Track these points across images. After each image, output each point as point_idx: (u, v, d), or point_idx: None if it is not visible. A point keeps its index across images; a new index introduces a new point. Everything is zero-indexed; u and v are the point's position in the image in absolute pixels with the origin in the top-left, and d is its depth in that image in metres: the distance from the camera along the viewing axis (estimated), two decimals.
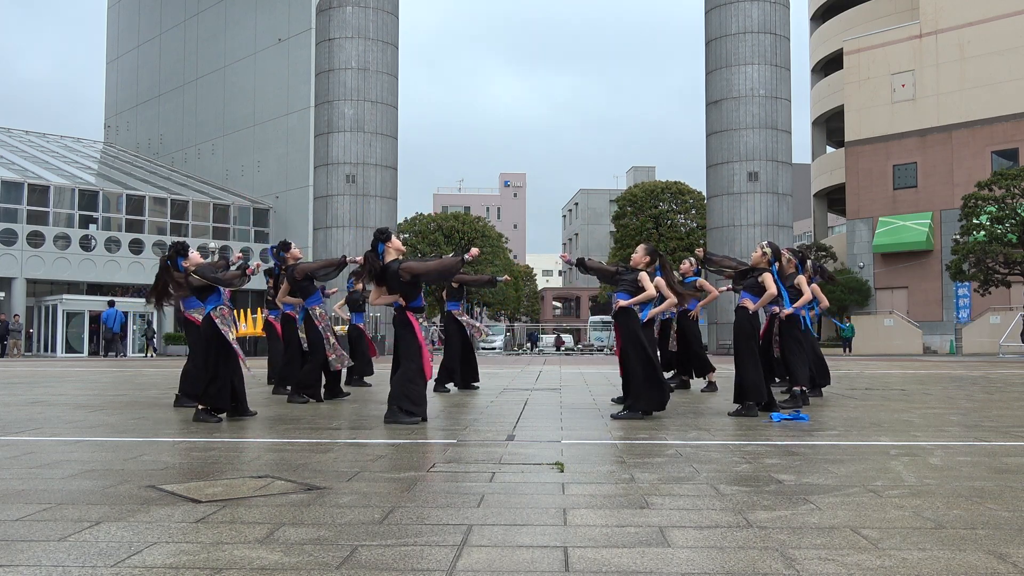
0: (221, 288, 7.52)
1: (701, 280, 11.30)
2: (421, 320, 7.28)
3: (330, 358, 9.31)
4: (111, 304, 34.68)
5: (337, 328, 35.06)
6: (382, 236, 7.29)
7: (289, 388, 9.65)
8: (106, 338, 33.47)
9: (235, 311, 9.53)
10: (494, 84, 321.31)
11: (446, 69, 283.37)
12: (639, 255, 7.75)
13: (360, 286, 12.63)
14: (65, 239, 39.02)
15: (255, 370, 11.87)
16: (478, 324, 11.38)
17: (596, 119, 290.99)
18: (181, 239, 7.83)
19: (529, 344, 51.36)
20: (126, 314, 36.04)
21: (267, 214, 46.42)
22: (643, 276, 7.71)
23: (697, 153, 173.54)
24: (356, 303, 12.68)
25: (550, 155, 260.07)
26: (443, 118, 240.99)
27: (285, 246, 9.87)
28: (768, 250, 8.06)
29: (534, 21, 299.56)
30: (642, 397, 7.38)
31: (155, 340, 38.44)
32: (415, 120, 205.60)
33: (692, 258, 11.57)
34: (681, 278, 11.62)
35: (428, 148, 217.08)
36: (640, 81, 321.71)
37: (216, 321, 7.38)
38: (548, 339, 53.32)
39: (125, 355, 33.90)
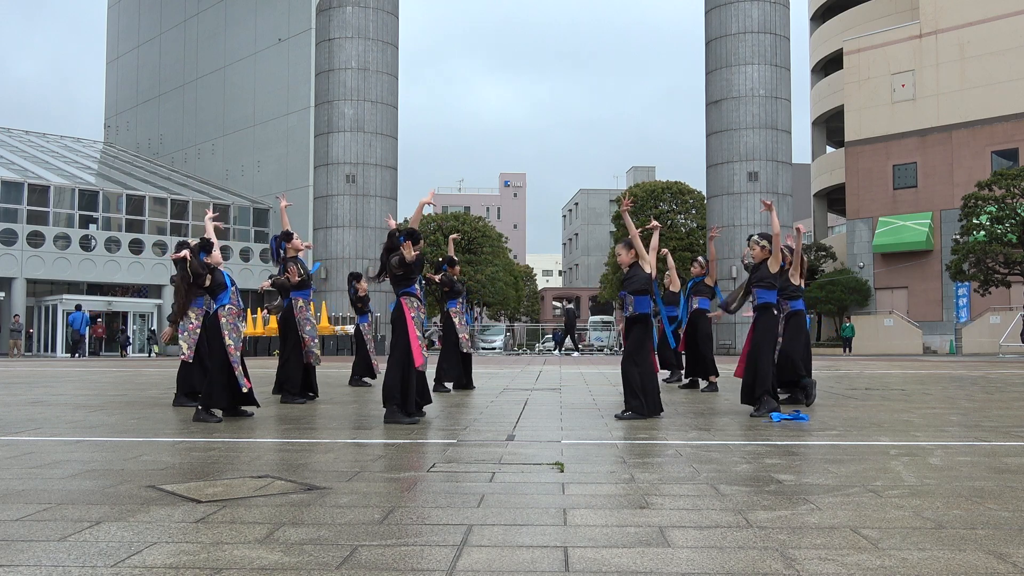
0: (230, 287, 7.53)
1: (708, 281, 11.40)
2: (414, 303, 7.21)
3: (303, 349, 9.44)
4: (78, 308, 35.81)
5: (337, 328, 34.95)
6: (412, 236, 7.16)
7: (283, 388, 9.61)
8: (73, 339, 34.45)
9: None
10: (479, 87, 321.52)
11: (429, 73, 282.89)
12: (625, 256, 7.72)
13: (363, 287, 12.68)
14: (65, 239, 39.02)
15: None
16: (464, 335, 11.34)
17: (592, 120, 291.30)
18: (207, 237, 7.77)
19: (554, 344, 50.46)
20: (90, 315, 36.86)
21: (267, 214, 46.42)
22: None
23: (696, 153, 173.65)
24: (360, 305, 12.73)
25: (549, 156, 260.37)
26: (432, 120, 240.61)
27: (287, 236, 9.92)
28: (765, 243, 8.11)
29: (511, 24, 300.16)
30: (645, 402, 7.39)
31: (129, 341, 38.55)
32: (412, 121, 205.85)
33: (701, 258, 11.67)
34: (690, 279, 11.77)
35: (427, 149, 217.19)
36: (635, 82, 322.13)
37: (221, 320, 7.41)
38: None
39: (85, 355, 34.65)
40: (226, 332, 7.37)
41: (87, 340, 37.87)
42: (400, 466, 4.78)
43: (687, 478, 4.37)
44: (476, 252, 55.64)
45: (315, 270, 10.11)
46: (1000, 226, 32.35)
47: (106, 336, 38.68)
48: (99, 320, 38.52)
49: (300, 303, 9.59)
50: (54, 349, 37.65)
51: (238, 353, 7.44)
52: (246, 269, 42.28)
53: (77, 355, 33.88)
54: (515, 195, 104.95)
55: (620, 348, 8.11)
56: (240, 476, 4.42)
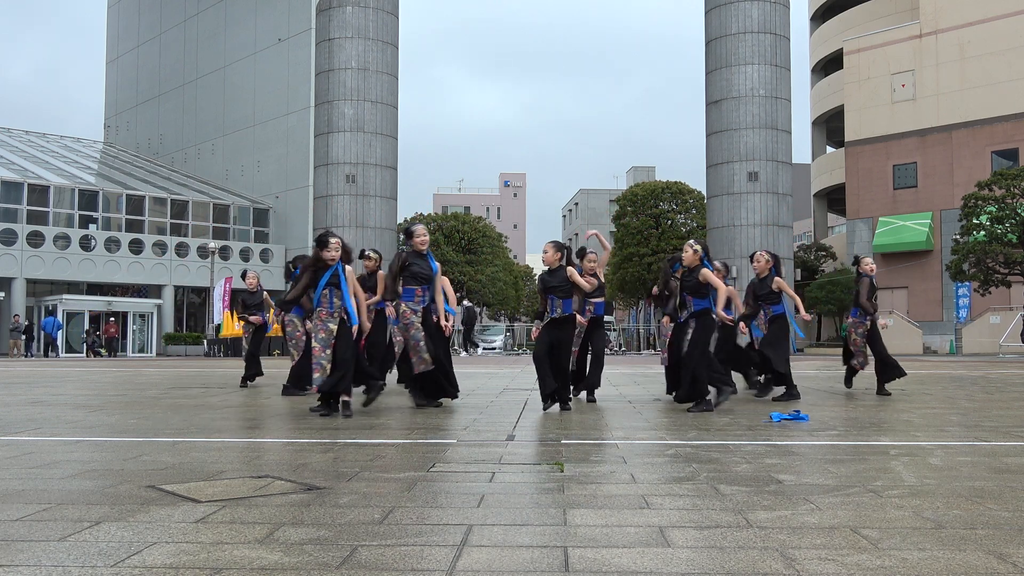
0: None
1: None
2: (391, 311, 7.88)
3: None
4: (51, 313, 36.96)
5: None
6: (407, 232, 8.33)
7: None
8: (46, 342, 35.52)
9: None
10: (462, 91, 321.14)
11: (411, 75, 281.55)
12: (550, 254, 7.97)
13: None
14: (65, 239, 39.02)
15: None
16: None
17: (587, 121, 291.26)
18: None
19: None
20: (62, 319, 37.96)
21: (267, 214, 46.43)
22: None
23: (696, 153, 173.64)
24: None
25: (544, 157, 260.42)
26: (421, 122, 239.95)
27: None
28: (699, 247, 8.30)
29: (488, 27, 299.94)
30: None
31: (97, 343, 38.82)
32: (405, 122, 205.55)
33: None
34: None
35: (423, 149, 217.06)
36: (628, 83, 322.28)
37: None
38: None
39: (59, 356, 35.65)
40: (314, 334, 7.73)
41: (88, 340, 38.12)
42: (400, 466, 4.78)
43: (687, 478, 4.37)
44: (476, 252, 55.64)
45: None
46: (1000, 226, 32.36)
47: (118, 336, 38.85)
48: (112, 320, 38.57)
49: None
50: (54, 349, 37.67)
51: (320, 353, 7.57)
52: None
53: (52, 355, 34.69)
54: (515, 195, 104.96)
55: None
56: (240, 476, 4.42)
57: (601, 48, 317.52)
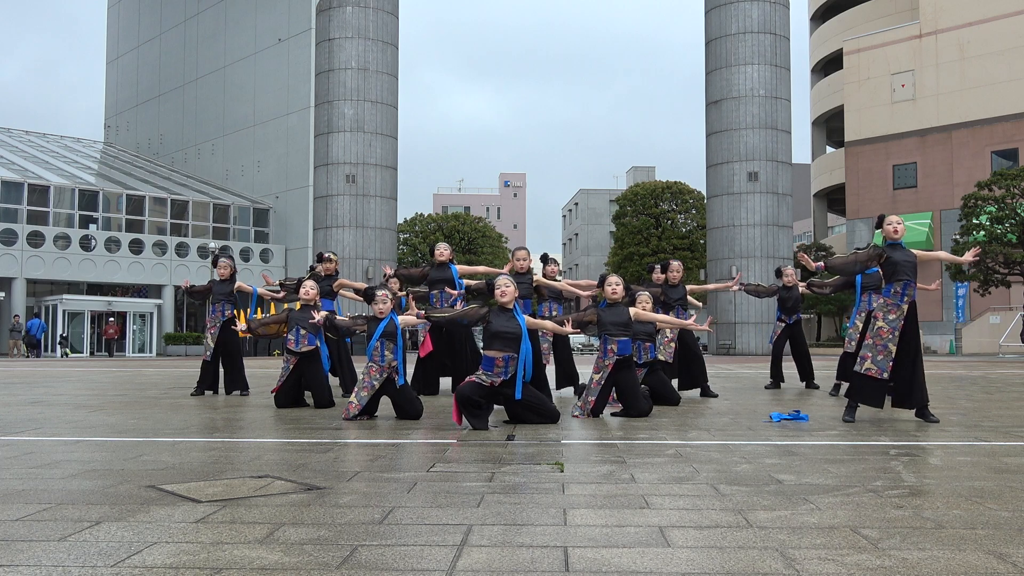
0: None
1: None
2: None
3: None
4: (35, 315, 37.62)
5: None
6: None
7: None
8: (31, 344, 35.84)
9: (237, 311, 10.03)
10: (450, 93, 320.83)
11: (409, 78, 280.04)
12: (527, 262, 8.58)
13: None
14: (65, 239, 39.02)
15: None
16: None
17: (583, 122, 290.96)
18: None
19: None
20: (48, 322, 38.40)
21: (267, 214, 46.41)
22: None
23: (696, 154, 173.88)
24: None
25: (540, 158, 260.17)
26: (415, 124, 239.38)
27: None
28: (620, 286, 7.93)
29: (478, 29, 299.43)
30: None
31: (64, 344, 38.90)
32: (408, 122, 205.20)
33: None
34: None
35: (422, 149, 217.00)
36: (623, 84, 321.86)
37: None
38: None
39: (41, 356, 35.92)
40: (357, 388, 7.48)
41: (88, 341, 38.15)
42: (400, 466, 4.78)
43: (687, 478, 4.37)
44: (476, 252, 55.64)
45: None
46: (1000, 226, 32.38)
47: (118, 336, 38.87)
48: (112, 319, 38.57)
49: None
50: (54, 349, 37.67)
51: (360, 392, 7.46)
52: (246, 269, 42.31)
53: (37, 355, 34.95)
54: (515, 195, 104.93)
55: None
56: (240, 476, 4.42)
57: (595, 49, 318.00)
